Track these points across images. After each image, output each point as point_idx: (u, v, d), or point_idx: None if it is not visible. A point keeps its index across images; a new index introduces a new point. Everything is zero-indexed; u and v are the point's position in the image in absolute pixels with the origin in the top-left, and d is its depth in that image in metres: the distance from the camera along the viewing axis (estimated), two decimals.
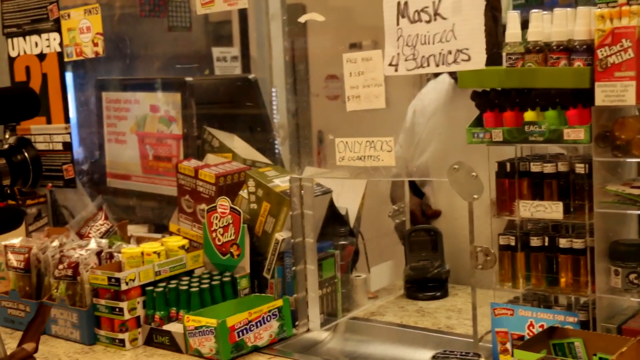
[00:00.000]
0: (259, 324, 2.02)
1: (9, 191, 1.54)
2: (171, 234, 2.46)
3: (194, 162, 2.45)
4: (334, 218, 2.31)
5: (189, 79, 2.70)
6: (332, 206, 2.30)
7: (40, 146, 2.69)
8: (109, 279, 2.11)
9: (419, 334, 2.14)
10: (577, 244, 1.75)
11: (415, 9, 1.82)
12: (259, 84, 2.69)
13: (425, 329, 2.16)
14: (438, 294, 2.39)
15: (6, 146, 1.55)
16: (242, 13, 2.84)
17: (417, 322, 2.22)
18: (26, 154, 1.55)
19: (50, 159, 2.69)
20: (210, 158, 2.54)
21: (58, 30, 2.67)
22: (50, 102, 2.72)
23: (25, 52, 2.78)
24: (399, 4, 1.85)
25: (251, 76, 2.73)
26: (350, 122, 2.03)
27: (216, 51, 2.86)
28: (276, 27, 2.54)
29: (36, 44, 2.73)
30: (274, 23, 2.54)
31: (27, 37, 2.75)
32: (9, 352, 1.56)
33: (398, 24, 1.85)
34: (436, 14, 1.79)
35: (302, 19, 2.52)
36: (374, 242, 2.51)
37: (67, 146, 2.70)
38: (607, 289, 1.73)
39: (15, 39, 2.80)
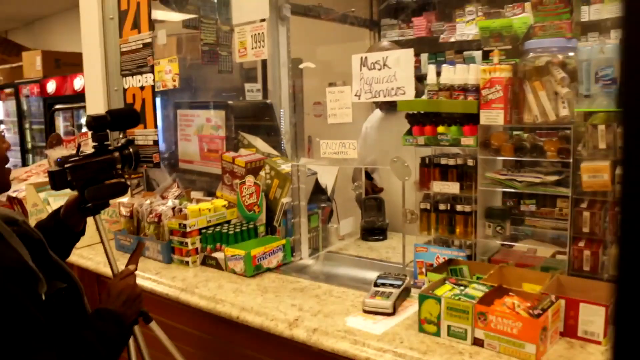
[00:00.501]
0: (271, 254, 2.01)
1: (120, 172, 1.53)
2: (217, 197, 2.43)
3: (232, 154, 2.43)
4: (318, 190, 2.30)
5: (230, 102, 2.67)
6: (317, 183, 2.29)
7: (139, 142, 2.70)
8: (180, 224, 2.10)
9: (369, 262, 2.13)
10: (467, 208, 1.75)
11: (372, 61, 1.82)
12: (273, 106, 2.67)
13: (373, 259, 2.16)
14: (381, 237, 2.38)
15: (119, 144, 1.54)
16: (264, 62, 2.79)
17: (368, 254, 2.21)
18: (131, 149, 1.53)
19: (145, 150, 2.69)
20: (242, 151, 2.51)
21: (152, 71, 2.66)
22: (146, 116, 2.71)
23: (132, 86, 2.77)
24: (361, 58, 1.85)
25: (268, 101, 2.70)
26: (329, 130, 2.01)
27: (247, 85, 2.82)
28: (284, 71, 2.52)
29: (139, 80, 2.72)
30: (283, 69, 2.51)
31: (134, 76, 2.74)
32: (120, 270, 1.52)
33: (361, 70, 1.85)
34: (384, 65, 1.80)
35: (301, 66, 2.52)
36: (342, 205, 2.49)
37: (155, 142, 2.69)
38: (483, 236, 1.74)
39: (127, 77, 2.79)
